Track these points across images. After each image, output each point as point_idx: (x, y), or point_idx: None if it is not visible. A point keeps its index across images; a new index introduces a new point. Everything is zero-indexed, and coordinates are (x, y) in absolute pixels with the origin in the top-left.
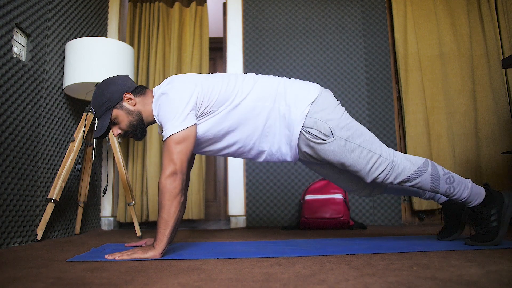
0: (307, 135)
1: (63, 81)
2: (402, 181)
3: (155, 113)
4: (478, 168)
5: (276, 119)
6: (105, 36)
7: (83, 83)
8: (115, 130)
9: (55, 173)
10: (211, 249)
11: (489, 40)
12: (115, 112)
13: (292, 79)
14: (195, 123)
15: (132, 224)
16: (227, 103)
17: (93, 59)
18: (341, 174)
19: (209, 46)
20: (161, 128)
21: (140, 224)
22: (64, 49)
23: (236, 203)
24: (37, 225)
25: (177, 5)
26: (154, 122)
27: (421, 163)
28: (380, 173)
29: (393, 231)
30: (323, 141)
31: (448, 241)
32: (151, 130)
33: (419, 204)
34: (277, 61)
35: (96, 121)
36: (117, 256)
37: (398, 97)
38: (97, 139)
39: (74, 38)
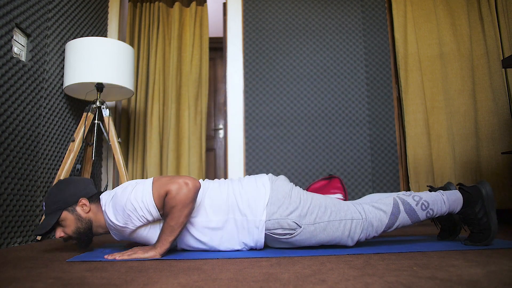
0: (274, 236)
1: (63, 81)
2: (384, 231)
3: (108, 223)
4: (478, 168)
5: (233, 229)
6: (105, 36)
7: (83, 83)
8: (58, 232)
9: (55, 173)
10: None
11: (489, 40)
12: (65, 214)
13: (239, 180)
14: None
15: None
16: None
17: (93, 59)
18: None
19: (209, 46)
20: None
21: None
22: (64, 49)
23: None
24: (37, 225)
25: (177, 5)
26: (103, 233)
27: (391, 207)
28: (360, 235)
29: (393, 231)
30: (292, 235)
31: (448, 241)
32: (151, 130)
33: None
34: (277, 61)
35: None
36: (117, 256)
37: (398, 97)
38: (40, 236)
39: (74, 38)
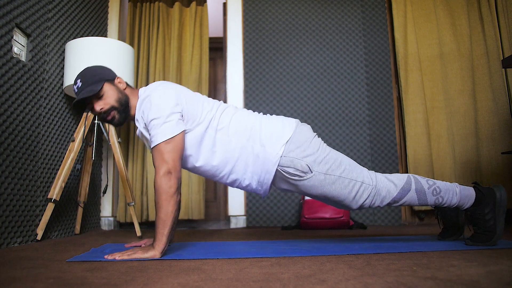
0: (284, 174)
1: (63, 81)
2: (389, 203)
3: (138, 113)
4: (478, 168)
5: (249, 157)
6: (105, 36)
7: None
8: (98, 105)
9: (55, 173)
10: (211, 249)
11: (489, 40)
12: (106, 86)
13: (268, 115)
14: (184, 130)
15: (132, 224)
16: (202, 125)
17: (93, 59)
18: (327, 200)
19: (209, 46)
20: (144, 130)
21: (140, 224)
22: (64, 49)
23: (236, 203)
24: (37, 225)
25: (177, 5)
26: (133, 119)
27: (403, 183)
28: (365, 200)
29: (393, 231)
30: (302, 178)
31: (448, 241)
32: None
33: None
34: (277, 61)
35: (79, 96)
36: (117, 256)
37: (398, 97)
38: (75, 107)
39: (74, 38)
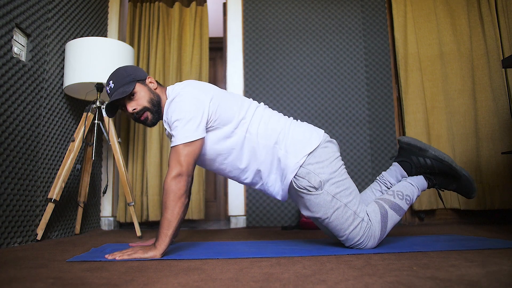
0: (297, 183)
1: (63, 81)
2: (380, 238)
3: (165, 114)
4: (478, 168)
5: (274, 161)
6: (105, 36)
7: (83, 83)
8: (131, 106)
9: (55, 173)
10: (211, 249)
11: (489, 40)
12: (138, 86)
13: (299, 121)
14: (204, 136)
15: (132, 224)
16: (231, 125)
17: (93, 59)
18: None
19: (209, 46)
20: (169, 128)
21: (140, 224)
22: (64, 49)
23: (236, 203)
24: (37, 225)
25: (177, 5)
26: (162, 118)
27: (378, 209)
28: (359, 239)
29: (393, 231)
30: (310, 192)
31: (448, 241)
32: (151, 130)
33: (419, 204)
34: (277, 61)
35: (108, 100)
36: (118, 256)
37: (398, 97)
38: (108, 110)
39: (74, 38)
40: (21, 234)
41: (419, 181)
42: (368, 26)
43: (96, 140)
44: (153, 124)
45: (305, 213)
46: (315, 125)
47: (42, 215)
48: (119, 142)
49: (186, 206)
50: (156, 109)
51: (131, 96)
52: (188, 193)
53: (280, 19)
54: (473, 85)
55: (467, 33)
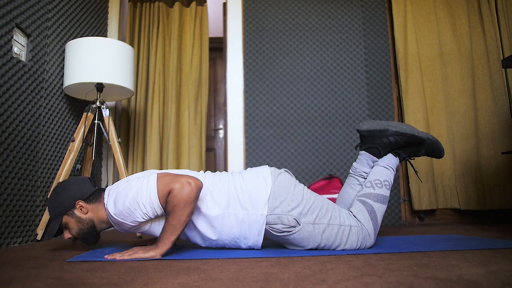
0: (273, 231)
1: (63, 81)
2: (375, 234)
3: (110, 210)
4: (478, 168)
5: (234, 226)
6: (105, 36)
7: (83, 83)
8: (66, 234)
9: (55, 173)
10: (211, 249)
11: (489, 40)
12: (66, 218)
13: (241, 171)
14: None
15: None
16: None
17: (93, 59)
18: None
19: (209, 46)
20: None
21: None
22: (64, 49)
23: None
24: (37, 225)
25: (177, 5)
26: (108, 227)
27: (364, 208)
28: (356, 245)
29: (393, 231)
30: (290, 232)
31: (448, 241)
32: (151, 130)
33: (419, 204)
34: (277, 61)
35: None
36: (118, 256)
37: (398, 97)
38: (52, 237)
39: (74, 38)
40: (21, 234)
41: (390, 160)
42: (368, 26)
43: (96, 140)
44: (93, 243)
45: (296, 249)
46: (316, 125)
47: (42, 215)
48: (119, 142)
49: (193, 209)
50: (88, 235)
51: (64, 226)
52: (197, 200)
53: (280, 19)
54: (473, 85)
55: (467, 33)
